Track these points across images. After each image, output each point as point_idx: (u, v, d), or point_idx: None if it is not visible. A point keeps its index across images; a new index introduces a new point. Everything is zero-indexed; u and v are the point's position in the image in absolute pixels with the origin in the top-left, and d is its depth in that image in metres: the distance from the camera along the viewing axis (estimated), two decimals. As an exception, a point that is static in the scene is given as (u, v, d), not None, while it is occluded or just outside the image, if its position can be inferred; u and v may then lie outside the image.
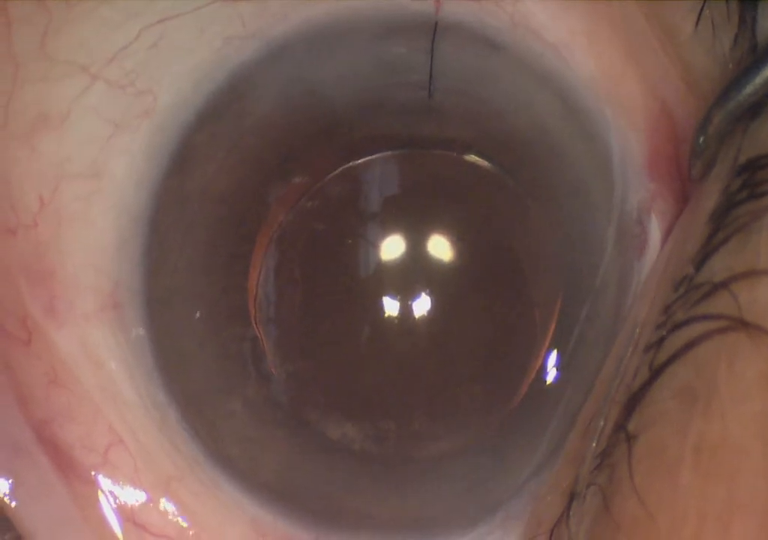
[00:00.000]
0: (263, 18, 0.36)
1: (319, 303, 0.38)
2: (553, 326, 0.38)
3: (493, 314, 0.38)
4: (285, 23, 0.36)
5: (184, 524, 0.37)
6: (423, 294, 0.38)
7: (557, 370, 0.38)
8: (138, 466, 0.37)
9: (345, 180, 0.39)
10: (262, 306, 0.38)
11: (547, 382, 0.38)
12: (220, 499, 0.37)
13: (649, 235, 0.36)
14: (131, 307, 0.37)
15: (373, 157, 0.39)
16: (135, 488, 0.37)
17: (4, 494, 0.35)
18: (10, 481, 0.35)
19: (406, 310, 0.38)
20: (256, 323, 0.38)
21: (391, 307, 0.38)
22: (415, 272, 0.38)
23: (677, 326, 0.30)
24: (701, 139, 0.33)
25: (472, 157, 0.39)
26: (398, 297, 0.38)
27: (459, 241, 0.39)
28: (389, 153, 0.39)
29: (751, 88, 0.31)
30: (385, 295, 0.38)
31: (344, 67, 0.37)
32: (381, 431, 0.39)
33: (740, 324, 0.28)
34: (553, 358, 0.38)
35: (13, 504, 0.35)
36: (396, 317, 0.38)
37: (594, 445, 0.32)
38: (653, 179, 0.36)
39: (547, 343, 0.38)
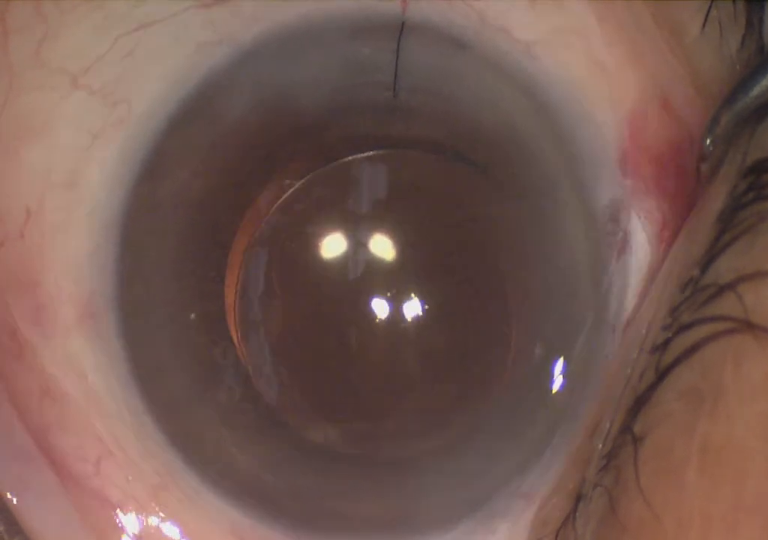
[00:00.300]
0: (234, 22, 0.36)
1: (296, 307, 0.38)
2: (529, 323, 0.38)
3: (470, 312, 0.38)
4: (255, 27, 0.37)
5: (176, 536, 0.37)
6: (400, 294, 0.38)
7: (538, 367, 0.38)
8: (129, 477, 0.37)
9: (320, 183, 0.39)
10: (238, 311, 0.38)
11: (528, 380, 0.38)
12: (201, 506, 0.38)
13: (630, 235, 0.36)
14: (106, 316, 0.37)
15: (347, 159, 0.39)
16: (127, 499, 0.37)
17: (12, 499, 0.35)
18: (18, 485, 0.36)
19: (384, 311, 0.38)
20: (233, 329, 0.38)
21: (369, 308, 0.38)
22: (392, 272, 0.39)
23: (683, 328, 0.30)
24: (708, 140, 0.33)
25: (443, 156, 0.39)
26: (376, 298, 0.38)
27: (435, 240, 0.39)
28: (363, 155, 0.39)
29: (758, 89, 0.31)
30: (363, 297, 0.38)
31: (314, 69, 0.38)
32: (359, 433, 0.39)
33: (746, 326, 0.28)
34: (531, 354, 0.38)
35: (21, 508, 0.36)
36: (374, 318, 0.38)
37: (600, 446, 0.32)
38: (628, 176, 0.36)
39: (524, 340, 0.38)
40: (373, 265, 0.38)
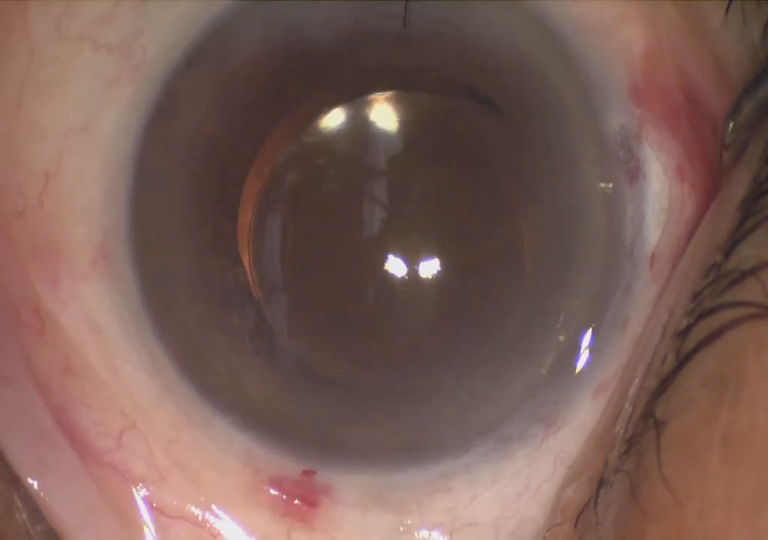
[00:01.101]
0: None
1: (309, 238, 0.39)
2: (540, 246, 0.39)
3: (483, 239, 0.39)
4: None
5: (200, 500, 0.38)
6: (413, 226, 0.39)
7: (552, 292, 0.39)
8: (152, 449, 0.37)
9: (332, 121, 0.39)
10: (252, 246, 0.39)
11: (542, 305, 0.39)
12: (217, 440, 0.38)
13: (641, 164, 0.37)
14: (119, 253, 0.38)
15: (360, 98, 0.39)
16: (150, 471, 0.37)
17: (34, 483, 0.36)
18: (39, 468, 0.36)
19: (398, 243, 0.39)
20: (248, 265, 0.39)
21: (381, 239, 0.39)
22: (405, 205, 0.39)
23: (705, 313, 0.30)
24: (731, 127, 0.33)
25: (454, 94, 0.39)
26: (389, 230, 0.39)
27: (446, 173, 0.39)
28: (375, 94, 0.39)
29: (781, 77, 0.31)
30: (375, 229, 0.39)
31: (324, 3, 0.38)
32: (370, 359, 0.39)
33: None
34: (545, 279, 0.39)
35: (42, 494, 0.36)
36: (387, 249, 0.39)
37: (622, 431, 0.32)
38: (640, 105, 0.36)
39: (535, 262, 0.39)
40: (386, 197, 0.39)
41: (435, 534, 0.38)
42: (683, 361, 0.30)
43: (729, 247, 0.30)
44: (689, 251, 0.34)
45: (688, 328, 0.30)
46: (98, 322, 0.37)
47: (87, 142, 0.37)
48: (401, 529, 0.38)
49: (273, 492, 0.38)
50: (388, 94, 0.39)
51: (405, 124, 0.39)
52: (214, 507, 0.38)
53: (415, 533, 0.38)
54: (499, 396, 0.39)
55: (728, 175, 0.33)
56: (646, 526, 0.30)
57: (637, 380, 0.33)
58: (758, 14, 0.33)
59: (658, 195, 0.37)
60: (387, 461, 0.38)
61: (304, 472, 0.38)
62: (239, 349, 0.39)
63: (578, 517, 0.34)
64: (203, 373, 0.38)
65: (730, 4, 0.33)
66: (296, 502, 0.38)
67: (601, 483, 0.33)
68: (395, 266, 0.39)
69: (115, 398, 0.37)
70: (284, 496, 0.38)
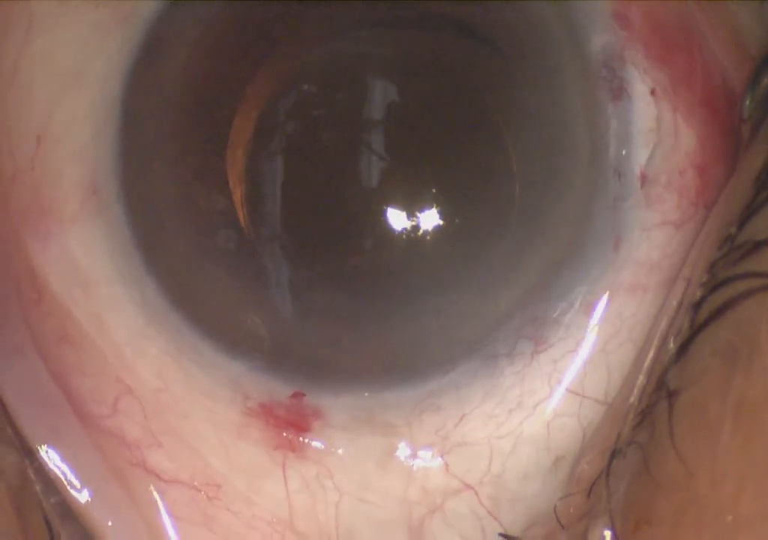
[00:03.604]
0: None
1: (298, 172, 0.39)
2: (527, 163, 0.39)
3: (471, 165, 0.39)
4: None
5: (194, 462, 0.38)
6: (403, 155, 0.39)
7: (536, 208, 0.39)
8: (147, 413, 0.38)
9: (321, 59, 0.39)
10: (240, 181, 0.39)
11: (528, 215, 0.39)
12: (206, 370, 0.39)
13: (625, 84, 0.37)
14: (108, 189, 0.38)
15: (347, 34, 0.39)
16: (145, 435, 0.38)
17: (48, 452, 0.37)
18: (49, 436, 0.37)
19: (386, 169, 0.39)
20: (237, 196, 0.39)
21: (371, 168, 0.39)
22: (393, 135, 0.39)
23: (719, 284, 0.30)
24: (749, 100, 0.33)
25: (440, 20, 0.39)
26: (378, 159, 0.39)
27: (433, 97, 0.39)
28: (364, 30, 0.39)
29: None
30: (365, 159, 0.39)
31: None
32: (357, 283, 0.39)
33: None
34: (531, 187, 0.39)
35: (54, 462, 0.37)
36: (375, 176, 0.39)
37: (636, 403, 0.32)
38: (623, 28, 0.37)
39: (522, 179, 0.39)
40: (375, 126, 0.39)
41: (427, 455, 0.38)
42: (696, 331, 0.30)
43: (744, 219, 0.30)
44: (707, 225, 0.35)
45: (702, 299, 0.30)
46: (89, 273, 0.38)
47: (77, 88, 0.38)
48: (394, 452, 0.38)
49: (264, 421, 0.38)
50: (377, 29, 0.39)
51: (394, 59, 0.39)
52: (208, 466, 0.38)
53: (408, 455, 0.38)
54: (486, 313, 0.39)
55: (746, 149, 0.33)
56: (658, 496, 0.30)
57: (652, 352, 0.33)
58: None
59: (643, 114, 0.37)
60: (375, 381, 0.39)
61: (294, 395, 0.39)
62: (227, 276, 0.39)
63: (591, 489, 0.34)
64: (192, 301, 0.39)
65: None
66: (285, 434, 0.38)
67: (614, 454, 0.33)
68: (385, 189, 0.39)
69: (108, 364, 0.38)
70: (275, 427, 0.38)
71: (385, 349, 0.39)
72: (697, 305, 0.31)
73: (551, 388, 0.37)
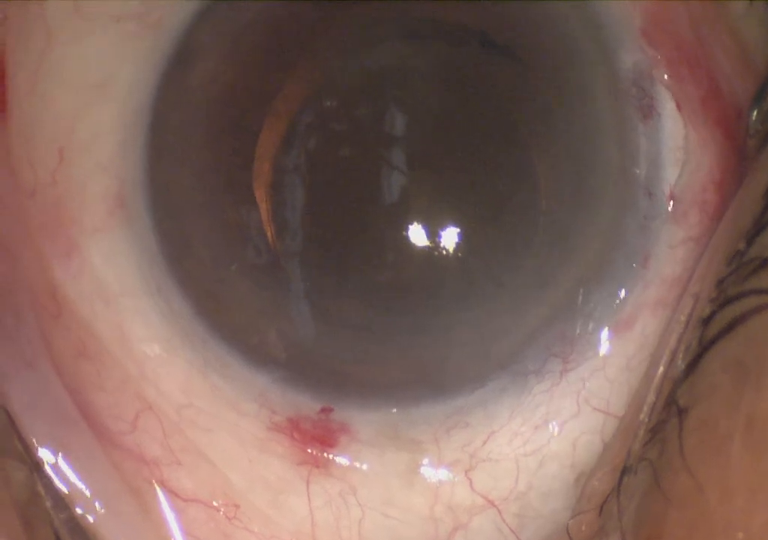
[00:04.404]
0: None
1: (324, 186, 0.39)
2: (556, 181, 0.39)
3: (499, 179, 0.39)
4: None
5: (214, 480, 0.38)
6: (429, 169, 0.39)
7: (565, 225, 0.39)
8: (166, 431, 0.38)
9: (347, 70, 0.39)
10: (267, 193, 0.39)
11: (556, 236, 0.39)
12: (232, 383, 0.39)
13: (655, 102, 0.38)
14: (136, 200, 0.38)
15: (373, 45, 0.39)
16: (165, 453, 0.38)
17: (59, 472, 0.37)
18: (61, 449, 0.37)
19: (413, 184, 0.39)
20: (264, 207, 0.39)
21: (398, 184, 0.39)
22: (420, 149, 0.39)
23: (728, 301, 0.30)
24: (755, 114, 0.33)
25: (467, 34, 0.39)
26: (405, 175, 0.39)
27: (461, 113, 0.39)
28: (390, 41, 0.39)
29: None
30: (392, 175, 0.39)
31: None
32: (385, 299, 0.39)
33: None
34: (559, 210, 0.39)
35: (64, 478, 0.37)
36: (403, 193, 0.39)
37: (646, 420, 0.32)
38: (652, 45, 0.37)
39: (551, 196, 0.39)
40: (402, 141, 0.39)
41: (452, 472, 0.38)
42: (706, 347, 0.30)
43: (753, 235, 0.30)
44: (715, 238, 0.35)
45: (711, 315, 0.30)
46: (111, 286, 0.38)
47: (102, 98, 0.38)
48: (419, 468, 0.38)
49: (289, 436, 0.38)
50: (401, 42, 0.40)
51: (418, 71, 0.39)
52: (228, 484, 0.38)
53: (433, 472, 0.38)
54: (516, 329, 0.39)
55: (753, 163, 0.33)
56: (668, 512, 0.30)
57: (661, 369, 0.33)
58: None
59: (673, 133, 0.38)
60: (403, 396, 0.39)
61: (322, 410, 0.39)
62: (255, 289, 0.39)
63: (602, 506, 0.34)
64: (219, 314, 0.39)
65: None
66: (310, 450, 0.38)
67: (624, 471, 0.33)
68: (411, 204, 0.39)
69: (128, 380, 0.38)
70: (300, 442, 0.38)
71: (414, 364, 0.39)
72: (706, 321, 0.31)
73: (579, 407, 0.37)
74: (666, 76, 0.37)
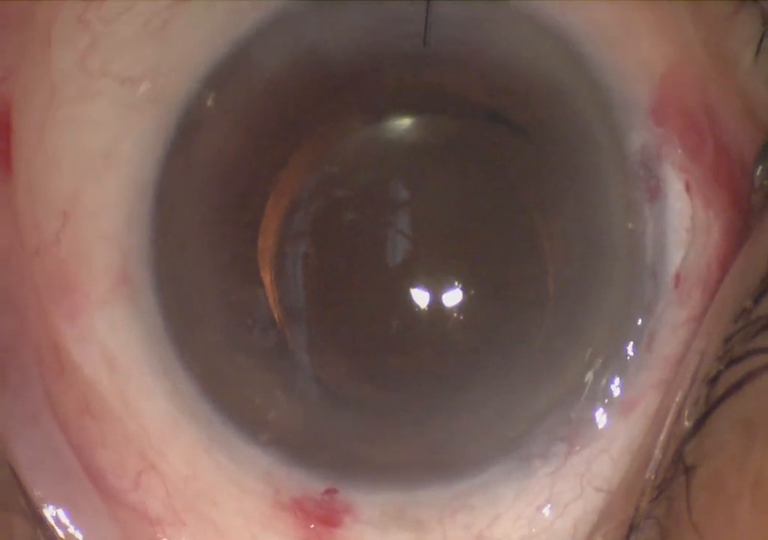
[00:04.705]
0: None
1: (331, 263, 0.39)
2: (563, 263, 0.39)
3: (506, 261, 0.39)
4: None
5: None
6: (436, 249, 0.40)
7: (571, 308, 0.39)
8: (169, 490, 0.38)
9: (354, 144, 0.40)
10: (274, 269, 0.39)
11: (564, 321, 0.39)
12: (237, 463, 0.38)
13: (662, 182, 0.38)
14: (140, 276, 0.38)
15: (380, 120, 0.39)
16: (167, 512, 0.38)
17: (62, 528, 0.37)
18: (64, 504, 0.37)
19: (420, 265, 0.39)
20: (269, 286, 0.39)
21: (405, 264, 0.39)
22: (429, 228, 0.39)
23: (736, 360, 0.30)
24: (759, 170, 0.33)
25: (476, 117, 0.40)
26: (411, 254, 0.39)
27: (469, 192, 0.40)
28: (397, 116, 0.39)
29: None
30: (398, 254, 0.39)
31: (344, 24, 0.38)
32: (392, 382, 0.40)
33: None
34: (566, 295, 0.39)
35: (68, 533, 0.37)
36: (409, 273, 0.39)
37: (652, 477, 0.32)
38: (661, 124, 0.37)
39: (558, 279, 0.39)
40: (409, 218, 0.39)
41: None
42: (713, 406, 0.30)
43: (760, 293, 0.30)
44: (720, 295, 0.35)
45: (719, 374, 0.30)
46: (116, 356, 0.38)
47: (108, 169, 0.38)
48: None
49: (293, 514, 0.38)
50: (408, 116, 0.40)
51: (426, 146, 0.40)
52: None
53: None
54: (522, 413, 0.39)
55: (758, 219, 0.33)
56: None
57: (666, 426, 0.33)
58: (789, 56, 0.33)
59: (680, 214, 0.38)
60: (408, 478, 0.39)
61: (327, 491, 0.39)
62: (260, 369, 0.39)
63: (609, 564, 0.34)
64: (224, 394, 0.39)
65: (760, 45, 0.33)
66: (313, 526, 0.38)
67: (632, 529, 0.33)
68: (418, 286, 0.39)
69: (131, 439, 0.38)
70: (304, 520, 0.38)
71: (420, 446, 0.39)
72: (714, 380, 0.31)
73: (582, 488, 0.37)
74: (673, 151, 0.37)
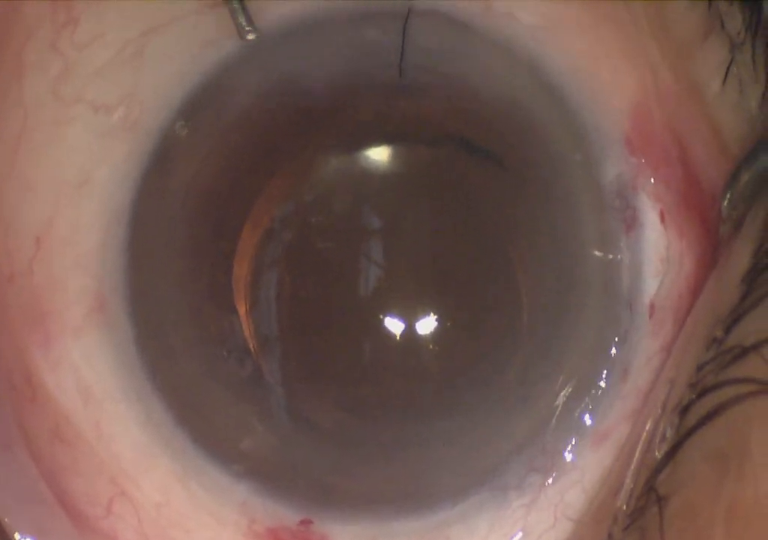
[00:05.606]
0: None
1: (306, 293, 0.39)
2: (537, 294, 0.39)
3: (479, 292, 0.40)
4: (261, 20, 0.37)
5: None
6: (409, 280, 0.40)
7: (546, 339, 0.39)
8: (141, 517, 0.38)
9: (329, 173, 0.40)
10: (248, 298, 0.40)
11: (539, 352, 0.39)
12: (212, 493, 0.38)
13: (638, 213, 0.38)
14: (115, 304, 0.38)
15: (355, 149, 0.40)
16: (140, 539, 0.38)
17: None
18: (34, 530, 0.36)
19: (393, 296, 0.39)
20: (244, 315, 0.39)
21: (378, 295, 0.39)
22: (401, 259, 0.39)
23: (708, 389, 0.30)
24: (728, 199, 0.33)
25: (451, 146, 0.40)
26: (384, 285, 0.39)
27: (443, 221, 0.40)
28: (372, 145, 0.40)
29: (780, 148, 0.31)
30: (372, 285, 0.39)
31: (319, 55, 0.38)
32: (366, 412, 0.40)
33: None
34: (541, 326, 0.39)
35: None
36: (382, 304, 0.39)
37: (624, 506, 0.32)
38: (633, 154, 0.37)
39: (532, 310, 0.39)
40: (382, 249, 0.39)
41: None
42: (685, 437, 0.30)
43: (731, 322, 0.30)
44: (689, 323, 0.35)
45: (690, 404, 0.30)
46: (90, 384, 0.38)
47: (82, 197, 0.38)
48: None
49: None
50: (383, 145, 0.40)
51: (400, 175, 0.40)
52: None
53: None
54: (497, 445, 0.39)
55: (727, 247, 0.33)
56: None
57: (637, 455, 0.33)
58: (755, 85, 0.33)
59: (655, 244, 0.38)
60: (384, 510, 0.39)
61: (302, 522, 0.38)
62: (236, 398, 0.39)
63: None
64: (199, 423, 0.39)
65: (727, 72, 0.33)
66: None
67: (604, 559, 0.33)
68: (391, 317, 0.39)
69: (104, 466, 0.38)
70: None
71: (395, 477, 0.40)
72: (685, 410, 0.31)
73: (555, 519, 0.37)
74: (647, 180, 0.37)
